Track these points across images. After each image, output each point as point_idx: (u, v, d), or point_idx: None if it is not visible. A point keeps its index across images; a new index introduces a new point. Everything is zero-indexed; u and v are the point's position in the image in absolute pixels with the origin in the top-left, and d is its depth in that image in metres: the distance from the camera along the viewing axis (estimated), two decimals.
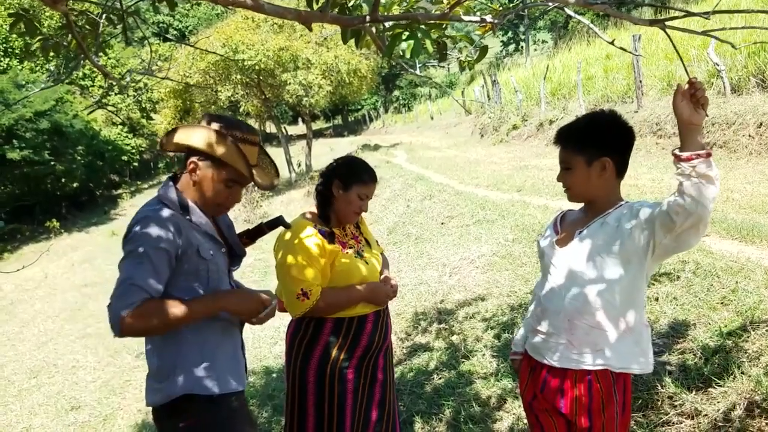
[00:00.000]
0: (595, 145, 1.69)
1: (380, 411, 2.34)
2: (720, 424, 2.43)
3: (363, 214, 2.37)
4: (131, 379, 6.76)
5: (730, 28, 1.72)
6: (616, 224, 1.66)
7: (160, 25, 43.27)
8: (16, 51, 26.54)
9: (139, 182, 33.53)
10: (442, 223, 7.57)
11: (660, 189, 6.35)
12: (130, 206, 26.28)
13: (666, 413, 2.60)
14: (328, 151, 19.90)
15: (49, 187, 24.57)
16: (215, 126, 1.76)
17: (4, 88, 21.41)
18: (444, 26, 1.93)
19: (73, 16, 2.20)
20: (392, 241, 7.80)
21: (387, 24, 1.90)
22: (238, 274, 2.10)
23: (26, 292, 14.45)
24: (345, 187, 2.22)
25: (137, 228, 1.66)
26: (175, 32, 42.88)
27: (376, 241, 2.50)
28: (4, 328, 11.39)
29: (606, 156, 1.68)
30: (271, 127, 36.73)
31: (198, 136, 1.74)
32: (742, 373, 2.60)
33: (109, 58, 29.75)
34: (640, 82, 10.33)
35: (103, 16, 2.40)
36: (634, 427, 2.57)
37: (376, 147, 21.50)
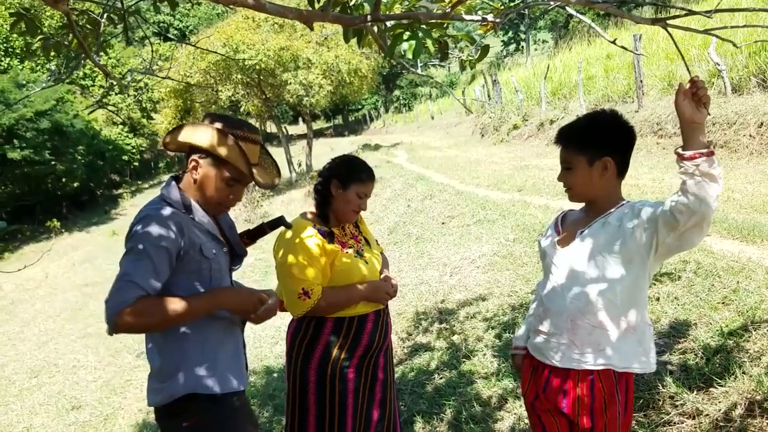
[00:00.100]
0: (597, 144, 1.69)
1: (381, 410, 2.34)
2: (721, 423, 2.42)
3: (363, 214, 2.37)
4: (132, 379, 6.75)
5: (732, 27, 1.72)
6: (618, 224, 1.66)
7: (161, 24, 43.26)
8: (17, 51, 26.56)
9: (139, 182, 33.54)
10: (443, 223, 7.57)
11: (661, 189, 6.34)
12: (130, 206, 26.30)
13: (667, 413, 2.60)
14: (328, 150, 19.88)
15: (49, 186, 24.59)
16: (217, 125, 1.76)
17: (4, 87, 21.43)
18: (445, 26, 1.93)
19: (74, 16, 2.20)
20: (393, 240, 7.80)
21: (388, 23, 1.90)
22: (238, 274, 2.10)
23: (27, 292, 14.45)
24: (343, 186, 2.23)
25: (139, 226, 1.66)
26: (175, 32, 42.88)
27: (376, 241, 2.50)
28: (5, 327, 11.39)
29: (607, 156, 1.68)
30: (271, 127, 36.74)
31: (201, 134, 1.74)
32: (744, 372, 2.60)
33: (110, 58, 29.77)
34: (641, 81, 10.32)
35: (104, 15, 2.40)
36: (636, 426, 2.57)
37: (377, 147, 21.51)
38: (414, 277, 5.95)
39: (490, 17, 1.76)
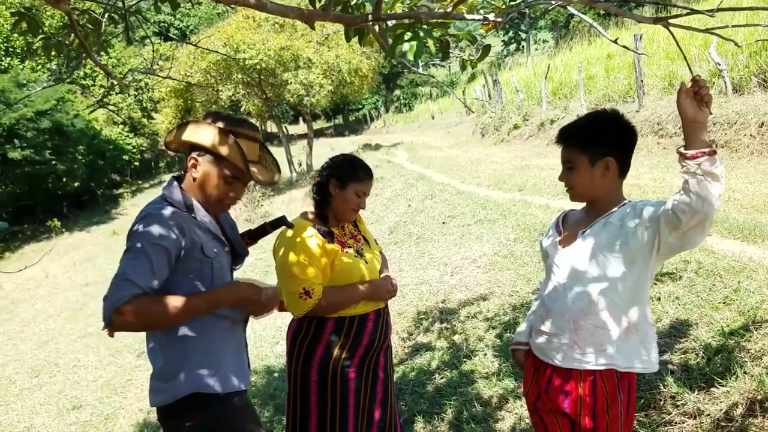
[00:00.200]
0: (599, 144, 1.69)
1: (382, 410, 2.34)
2: (722, 423, 2.42)
3: (363, 213, 2.37)
4: (133, 378, 6.76)
5: (733, 26, 1.72)
6: (620, 224, 1.66)
7: (162, 24, 43.28)
8: (18, 50, 26.57)
9: (140, 181, 33.56)
10: (444, 223, 7.57)
11: (662, 189, 6.34)
12: (131, 205, 26.32)
13: (668, 413, 2.60)
14: (329, 150, 19.88)
15: (50, 186, 24.61)
16: (219, 124, 1.77)
17: (5, 87, 21.44)
18: (447, 25, 1.93)
19: (75, 15, 2.20)
20: (393, 240, 7.80)
21: (390, 22, 1.90)
22: (239, 273, 2.10)
23: (27, 292, 14.47)
24: (342, 185, 2.23)
25: (139, 225, 1.66)
26: (176, 31, 42.88)
27: (375, 240, 2.50)
28: (6, 327, 11.40)
29: (609, 155, 1.68)
30: (272, 127, 36.75)
31: (203, 133, 1.74)
32: (745, 372, 2.60)
33: (110, 58, 29.78)
34: (642, 81, 10.31)
35: (106, 15, 2.40)
36: (637, 426, 2.56)
37: (377, 146, 21.51)
38: (415, 277, 5.95)
39: (491, 16, 1.76)
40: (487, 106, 17.86)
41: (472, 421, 3.07)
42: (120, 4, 2.40)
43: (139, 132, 33.12)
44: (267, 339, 6.07)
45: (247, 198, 15.04)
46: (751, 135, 7.43)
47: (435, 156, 15.15)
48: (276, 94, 19.73)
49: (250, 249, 2.07)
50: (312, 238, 2.15)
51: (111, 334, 1.61)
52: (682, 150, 1.47)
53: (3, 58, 26.39)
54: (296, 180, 18.82)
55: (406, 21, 1.73)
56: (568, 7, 1.97)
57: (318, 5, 1.90)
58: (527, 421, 2.87)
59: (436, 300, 5.13)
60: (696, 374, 2.75)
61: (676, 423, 2.55)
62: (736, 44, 2.01)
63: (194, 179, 1.77)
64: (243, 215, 14.26)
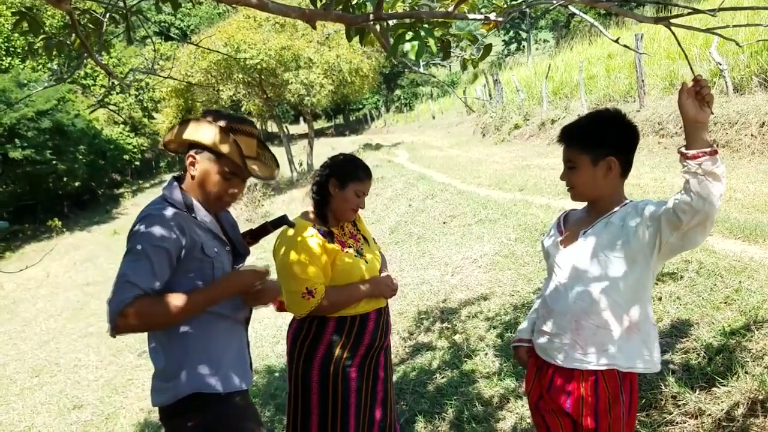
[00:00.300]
0: (601, 144, 1.69)
1: (383, 409, 2.34)
2: (723, 423, 2.42)
3: (364, 213, 2.36)
4: (133, 378, 6.76)
5: (734, 26, 1.71)
6: (621, 223, 1.66)
7: (162, 24, 43.30)
8: (18, 50, 26.58)
9: (140, 181, 33.58)
10: (444, 223, 7.57)
11: (663, 188, 6.34)
12: (131, 205, 26.34)
13: (669, 413, 2.60)
14: (329, 150, 19.85)
15: (51, 186, 24.64)
16: (218, 122, 1.77)
17: (6, 87, 21.46)
18: (448, 24, 1.93)
19: (76, 15, 2.20)
20: (394, 240, 7.80)
21: (391, 22, 1.90)
22: None
23: (28, 291, 14.47)
24: (341, 185, 2.23)
25: (140, 226, 1.66)
26: (177, 31, 42.90)
27: (374, 239, 2.50)
28: (7, 326, 11.41)
29: (611, 155, 1.68)
30: (272, 127, 36.76)
31: (204, 132, 1.75)
32: (746, 372, 2.60)
33: (111, 57, 29.80)
34: (643, 81, 10.30)
35: (107, 15, 2.40)
36: (638, 426, 2.56)
37: (378, 146, 21.51)
38: (415, 277, 5.95)
39: (492, 16, 1.75)
40: (488, 105, 17.86)
41: (473, 420, 3.07)
42: (121, 4, 2.40)
43: (140, 132, 33.14)
44: (268, 339, 6.07)
45: (248, 198, 15.05)
46: (752, 135, 7.42)
47: (436, 156, 15.15)
48: (277, 94, 19.74)
49: (251, 248, 2.07)
50: (313, 237, 2.15)
51: (113, 336, 1.61)
52: (683, 150, 1.47)
53: (4, 58, 26.41)
54: (297, 180, 18.82)
55: (408, 20, 1.73)
56: (569, 7, 1.97)
57: (319, 5, 1.90)
58: (528, 420, 2.87)
59: (436, 300, 5.13)
60: (697, 374, 2.75)
61: (677, 423, 2.54)
62: (737, 44, 2.00)
63: (193, 177, 1.77)
64: (244, 215, 14.26)
